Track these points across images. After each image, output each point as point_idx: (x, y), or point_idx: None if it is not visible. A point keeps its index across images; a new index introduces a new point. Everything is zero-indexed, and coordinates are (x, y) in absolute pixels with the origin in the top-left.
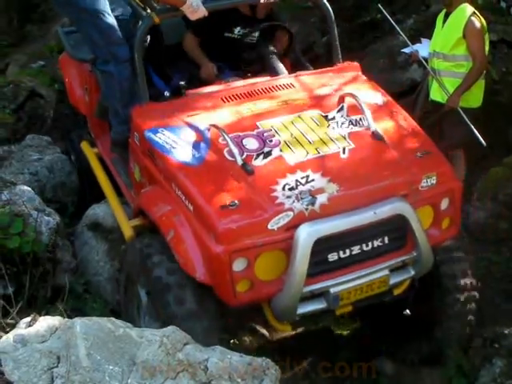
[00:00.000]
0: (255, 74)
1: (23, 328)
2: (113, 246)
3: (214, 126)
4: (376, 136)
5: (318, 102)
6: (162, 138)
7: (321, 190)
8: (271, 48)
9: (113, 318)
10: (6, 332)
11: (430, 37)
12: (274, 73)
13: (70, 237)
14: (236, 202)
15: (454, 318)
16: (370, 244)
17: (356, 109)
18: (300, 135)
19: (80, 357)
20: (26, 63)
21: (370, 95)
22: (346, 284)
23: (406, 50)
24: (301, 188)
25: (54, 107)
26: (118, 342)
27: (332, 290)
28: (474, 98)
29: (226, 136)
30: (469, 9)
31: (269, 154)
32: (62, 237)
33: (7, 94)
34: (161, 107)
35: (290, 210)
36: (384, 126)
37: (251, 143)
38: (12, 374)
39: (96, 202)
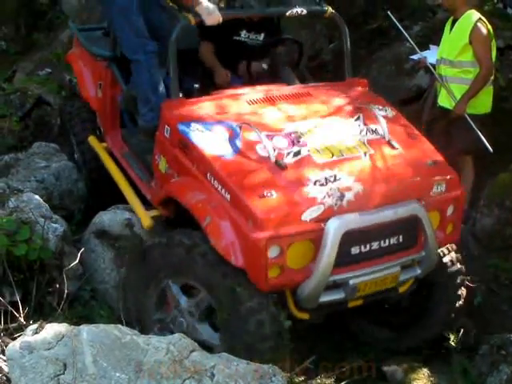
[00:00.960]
0: (264, 83)
1: (30, 335)
2: (119, 254)
3: (246, 123)
4: (391, 144)
5: (336, 110)
6: (195, 130)
7: (348, 188)
8: (284, 59)
9: (119, 325)
10: (13, 339)
11: (436, 43)
12: (287, 82)
13: (77, 244)
14: (273, 192)
15: (444, 303)
16: (387, 241)
17: (371, 119)
18: (324, 139)
19: (86, 364)
20: (32, 71)
21: (380, 108)
22: (364, 276)
23: (414, 57)
24: (330, 185)
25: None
26: (125, 348)
27: (351, 282)
28: (482, 104)
29: (259, 133)
30: (475, 15)
31: (298, 153)
32: (68, 244)
33: (14, 102)
34: (191, 103)
35: (322, 203)
36: (396, 136)
37: (281, 142)
38: (19, 381)
39: (103, 209)
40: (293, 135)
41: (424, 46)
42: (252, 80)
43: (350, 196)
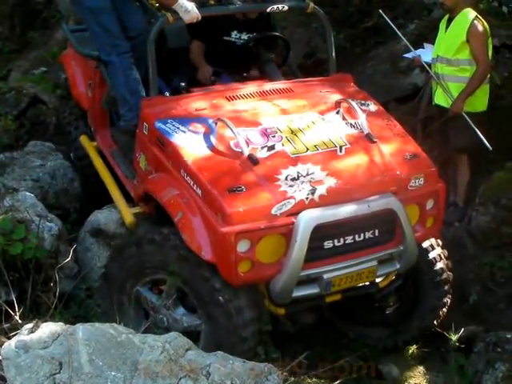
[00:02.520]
0: (253, 79)
1: (25, 334)
2: None
3: (221, 119)
4: (369, 138)
5: (315, 105)
6: (172, 127)
7: (320, 182)
8: (270, 55)
9: (115, 324)
10: (9, 338)
11: (432, 42)
12: (271, 78)
13: (73, 243)
14: (242, 187)
15: (432, 299)
16: (362, 235)
17: (351, 113)
18: (300, 133)
19: (82, 363)
20: (28, 69)
21: (362, 103)
22: (338, 271)
23: (409, 55)
24: (302, 179)
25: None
26: (121, 347)
27: (325, 276)
28: (479, 102)
29: (233, 129)
30: (472, 13)
31: (272, 147)
32: (64, 243)
33: (9, 101)
34: (169, 101)
35: (292, 197)
36: (376, 130)
37: (256, 137)
38: (14, 381)
39: (98, 208)
40: (268, 130)
41: (420, 45)
42: (242, 78)
43: (322, 190)
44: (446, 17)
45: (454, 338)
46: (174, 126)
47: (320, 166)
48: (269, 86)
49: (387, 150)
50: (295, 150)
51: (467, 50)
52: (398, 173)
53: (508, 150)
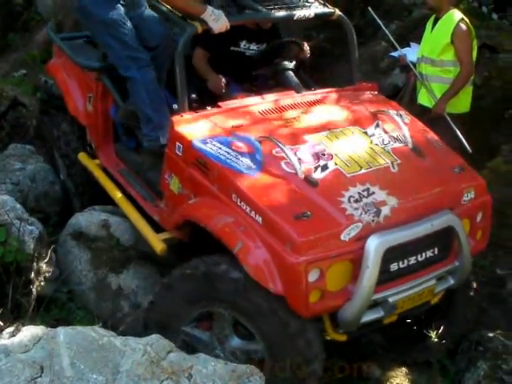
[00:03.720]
0: (265, 90)
1: (6, 338)
2: (96, 255)
3: (267, 137)
4: (416, 152)
5: (353, 118)
6: (213, 148)
7: (383, 203)
8: (287, 64)
9: (96, 327)
10: None
11: (415, 41)
12: (291, 89)
13: (54, 246)
14: (308, 212)
15: (465, 305)
16: (423, 254)
17: (390, 125)
18: (348, 149)
19: (63, 366)
20: (8, 72)
21: (396, 113)
22: (402, 293)
23: (395, 54)
24: (365, 200)
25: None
26: (102, 350)
27: (391, 299)
28: (462, 103)
29: (284, 148)
30: (457, 14)
31: (326, 167)
32: (45, 246)
33: None
34: (200, 117)
35: (359, 221)
36: (418, 143)
37: (305, 156)
38: None
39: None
40: (316, 147)
41: (399, 45)
42: (253, 88)
43: (387, 211)
44: (433, 17)
45: (434, 335)
46: (215, 146)
47: (378, 185)
48: (298, 98)
49: (435, 163)
50: (349, 169)
51: (452, 51)
52: (451, 188)
53: (488, 149)
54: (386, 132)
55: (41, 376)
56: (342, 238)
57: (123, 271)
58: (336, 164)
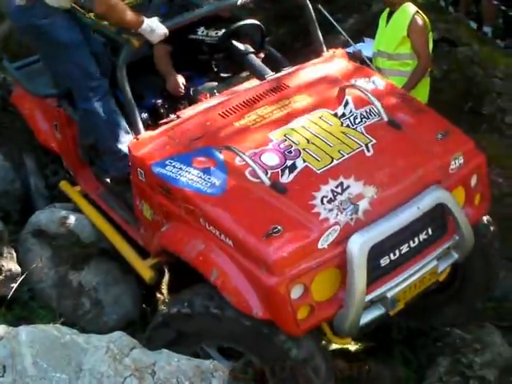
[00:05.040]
0: (230, 76)
1: None
2: (56, 253)
3: (225, 147)
4: (392, 125)
5: (319, 99)
6: (174, 170)
7: (360, 196)
8: (246, 47)
9: (58, 325)
10: None
11: (371, 36)
12: (256, 73)
13: (14, 244)
14: (278, 227)
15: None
16: (416, 239)
17: (361, 100)
18: (317, 139)
19: (26, 365)
20: None
21: (367, 82)
22: (401, 285)
23: (349, 50)
24: (339, 198)
25: None
26: (65, 348)
27: (389, 294)
28: (420, 95)
29: (244, 156)
30: (412, 8)
31: (293, 167)
32: (5, 244)
33: None
34: (158, 136)
35: (336, 223)
36: (395, 112)
37: (271, 159)
38: None
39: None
40: (281, 145)
41: (359, 39)
42: (217, 77)
43: (365, 205)
44: (387, 11)
45: (395, 331)
46: (175, 167)
47: (353, 176)
48: (261, 86)
49: (415, 133)
50: (320, 164)
51: (408, 45)
52: (435, 159)
53: None
54: (357, 108)
55: (3, 376)
56: (319, 246)
57: (84, 268)
58: (304, 161)
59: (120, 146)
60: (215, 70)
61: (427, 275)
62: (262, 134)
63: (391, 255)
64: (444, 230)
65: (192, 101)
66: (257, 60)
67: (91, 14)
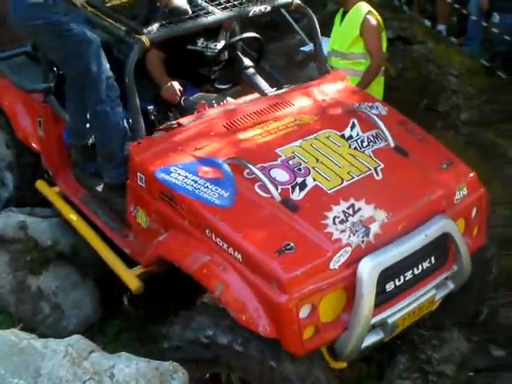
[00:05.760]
0: (225, 89)
1: None
2: (14, 257)
3: (233, 158)
4: (399, 151)
5: (325, 119)
6: (179, 177)
7: (371, 219)
8: (247, 61)
9: (16, 330)
10: None
11: (327, 35)
12: (256, 88)
13: None
14: (291, 244)
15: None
16: (420, 266)
17: (367, 123)
18: (326, 159)
19: None
20: None
21: (370, 107)
22: (402, 311)
23: (305, 49)
24: (351, 219)
25: None
26: (22, 354)
27: (390, 320)
28: (375, 94)
29: (254, 169)
30: (364, 7)
31: (304, 184)
32: None
33: None
34: (160, 141)
35: (348, 245)
36: (399, 139)
37: (280, 175)
38: None
39: None
40: (290, 162)
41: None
42: (213, 90)
43: (376, 228)
44: (341, 10)
45: None
46: (180, 174)
47: (364, 198)
48: (263, 102)
49: (420, 161)
50: (330, 184)
51: (361, 44)
52: (441, 188)
53: None
54: (363, 132)
55: None
56: (331, 266)
57: (42, 272)
58: (315, 179)
59: (122, 152)
60: (212, 81)
61: (426, 303)
62: (270, 148)
63: (396, 281)
64: (444, 260)
65: (183, 110)
66: (256, 74)
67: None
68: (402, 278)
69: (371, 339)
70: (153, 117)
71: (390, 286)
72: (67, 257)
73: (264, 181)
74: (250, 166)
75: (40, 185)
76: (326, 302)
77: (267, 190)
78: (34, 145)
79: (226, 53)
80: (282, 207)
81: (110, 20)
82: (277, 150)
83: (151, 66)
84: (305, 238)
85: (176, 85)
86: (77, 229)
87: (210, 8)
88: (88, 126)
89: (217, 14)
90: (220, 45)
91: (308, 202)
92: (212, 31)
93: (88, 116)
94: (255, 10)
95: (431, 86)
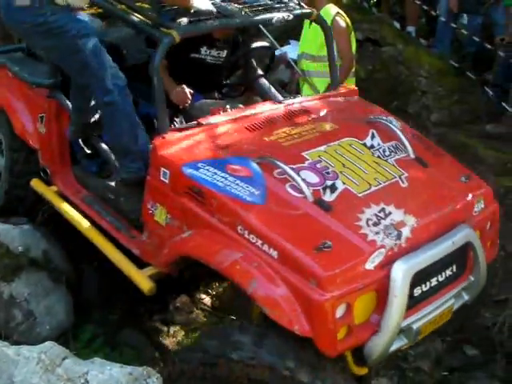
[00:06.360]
0: (232, 97)
1: None
2: None
3: (264, 157)
4: (420, 162)
5: (345, 128)
6: (208, 173)
7: (402, 223)
8: (259, 71)
9: None
10: None
11: (296, 38)
12: (268, 96)
13: None
14: (328, 242)
15: None
16: (443, 274)
17: (387, 134)
18: (351, 165)
19: None
20: None
21: (386, 120)
22: (426, 317)
23: (276, 52)
24: (383, 222)
25: None
26: None
27: (415, 326)
28: None
29: (287, 169)
30: (333, 9)
31: (334, 187)
32: None
33: None
34: (183, 138)
35: (382, 246)
36: (418, 152)
37: (309, 176)
38: None
39: None
40: (318, 165)
41: (285, 41)
42: (220, 97)
43: (407, 232)
44: None
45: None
46: (208, 170)
47: (393, 203)
48: (282, 109)
49: (441, 173)
50: (359, 188)
51: None
52: (462, 199)
53: None
54: (383, 142)
55: None
56: (366, 267)
57: (14, 279)
58: (344, 183)
59: (137, 145)
60: (219, 88)
61: (445, 312)
62: (296, 151)
63: (423, 286)
64: (463, 270)
65: (188, 115)
66: (268, 84)
67: (123, 6)
68: (428, 283)
69: (395, 345)
70: (155, 120)
71: (417, 291)
72: (39, 263)
73: (297, 180)
74: (282, 165)
75: (36, 183)
76: (359, 302)
77: (299, 190)
78: (32, 141)
79: (235, 60)
80: (315, 207)
81: (137, 15)
82: (303, 154)
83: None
84: (341, 238)
85: (186, 89)
86: (79, 228)
87: (233, 11)
88: (93, 121)
89: (243, 18)
90: (223, 53)
91: (340, 204)
92: (214, 40)
93: (98, 111)
94: (279, 17)
95: (401, 88)
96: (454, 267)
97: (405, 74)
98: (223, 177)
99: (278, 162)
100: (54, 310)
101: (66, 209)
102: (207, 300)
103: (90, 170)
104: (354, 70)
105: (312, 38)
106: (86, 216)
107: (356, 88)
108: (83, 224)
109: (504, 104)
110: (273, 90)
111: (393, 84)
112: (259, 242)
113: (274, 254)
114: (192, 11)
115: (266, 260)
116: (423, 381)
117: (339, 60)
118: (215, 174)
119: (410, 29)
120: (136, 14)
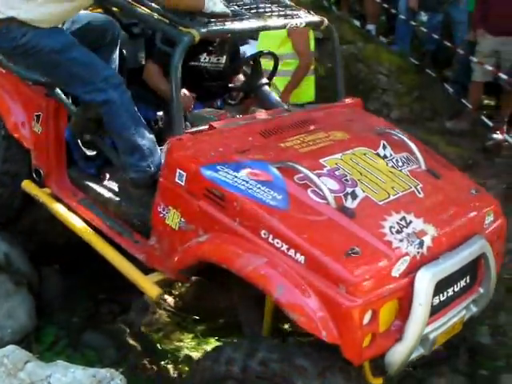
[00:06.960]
0: (233, 105)
1: None
2: None
3: (284, 162)
4: (432, 174)
5: (357, 138)
6: (228, 176)
7: (423, 232)
8: (263, 79)
9: None
10: None
11: (255, 37)
12: (271, 105)
13: None
14: (357, 248)
15: None
16: (458, 284)
17: (397, 145)
18: (368, 173)
19: None
20: None
21: (396, 131)
22: (442, 327)
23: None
24: (406, 230)
25: None
26: None
27: (432, 336)
28: (305, 93)
29: (311, 175)
30: None
31: (355, 194)
32: None
33: None
34: (201, 141)
35: (407, 254)
36: (428, 163)
37: (329, 183)
38: None
39: None
40: (337, 173)
41: (243, 41)
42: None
43: (428, 241)
44: None
45: None
46: (228, 173)
47: (413, 212)
48: (291, 117)
49: (452, 186)
50: (379, 196)
51: (289, 44)
52: (474, 211)
53: None
54: (395, 153)
55: None
56: (392, 274)
57: None
58: (363, 191)
59: (143, 141)
60: (220, 95)
61: (458, 323)
62: (314, 158)
63: (441, 296)
64: (474, 281)
65: (188, 122)
66: (271, 93)
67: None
68: (445, 293)
69: (413, 355)
70: (155, 125)
71: (436, 300)
72: (0, 266)
73: (321, 186)
74: (305, 170)
75: (27, 185)
76: (384, 310)
77: (321, 196)
78: (26, 141)
79: (233, 67)
80: (339, 213)
81: (156, 15)
82: (321, 160)
83: (155, 77)
84: (367, 244)
85: (189, 94)
86: (78, 232)
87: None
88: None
89: (258, 22)
90: (222, 59)
91: (362, 211)
92: (210, 42)
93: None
94: (292, 23)
95: (361, 85)
96: (468, 278)
97: (365, 72)
98: (244, 180)
99: (301, 168)
100: (16, 314)
101: (64, 212)
102: (170, 300)
103: (88, 172)
104: (313, 67)
105: (271, 36)
106: (83, 220)
107: (360, 99)
108: (85, 229)
109: (464, 100)
110: (277, 98)
111: (353, 82)
112: (285, 247)
113: (301, 259)
114: (207, 13)
115: (292, 265)
116: (386, 377)
117: (297, 58)
118: (236, 177)
119: (370, 27)
120: (154, 14)
